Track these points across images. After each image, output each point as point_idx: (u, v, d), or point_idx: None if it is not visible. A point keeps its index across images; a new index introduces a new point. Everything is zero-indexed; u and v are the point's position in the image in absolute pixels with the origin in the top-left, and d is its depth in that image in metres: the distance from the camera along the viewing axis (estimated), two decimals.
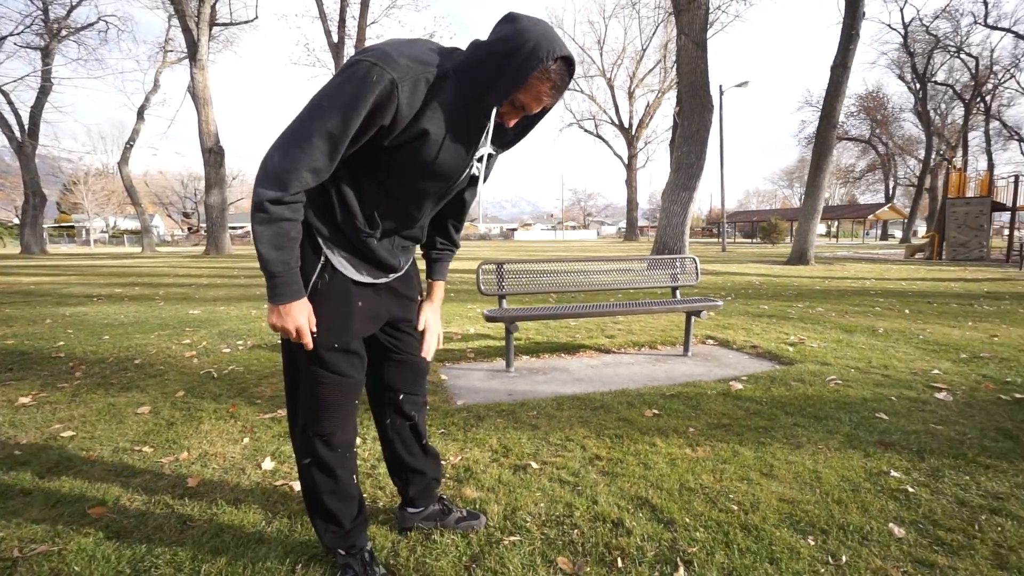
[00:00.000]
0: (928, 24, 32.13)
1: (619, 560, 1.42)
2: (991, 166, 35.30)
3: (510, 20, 1.08)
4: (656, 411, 2.54)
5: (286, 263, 1.08)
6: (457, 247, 1.55)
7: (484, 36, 1.14)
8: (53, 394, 2.89)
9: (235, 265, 13.47)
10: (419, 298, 1.51)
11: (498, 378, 3.24)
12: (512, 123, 1.18)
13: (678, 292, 3.93)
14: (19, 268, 13.23)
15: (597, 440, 2.22)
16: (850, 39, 12.44)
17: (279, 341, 1.31)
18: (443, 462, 2.05)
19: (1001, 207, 16.31)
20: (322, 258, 1.21)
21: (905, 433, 2.25)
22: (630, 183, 39.86)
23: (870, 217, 40.76)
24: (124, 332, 4.60)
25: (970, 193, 16.59)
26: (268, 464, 2.02)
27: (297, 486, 1.79)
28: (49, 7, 20.29)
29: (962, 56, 32.73)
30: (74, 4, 20.37)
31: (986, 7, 32.40)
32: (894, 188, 45.72)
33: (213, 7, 19.26)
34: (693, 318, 3.77)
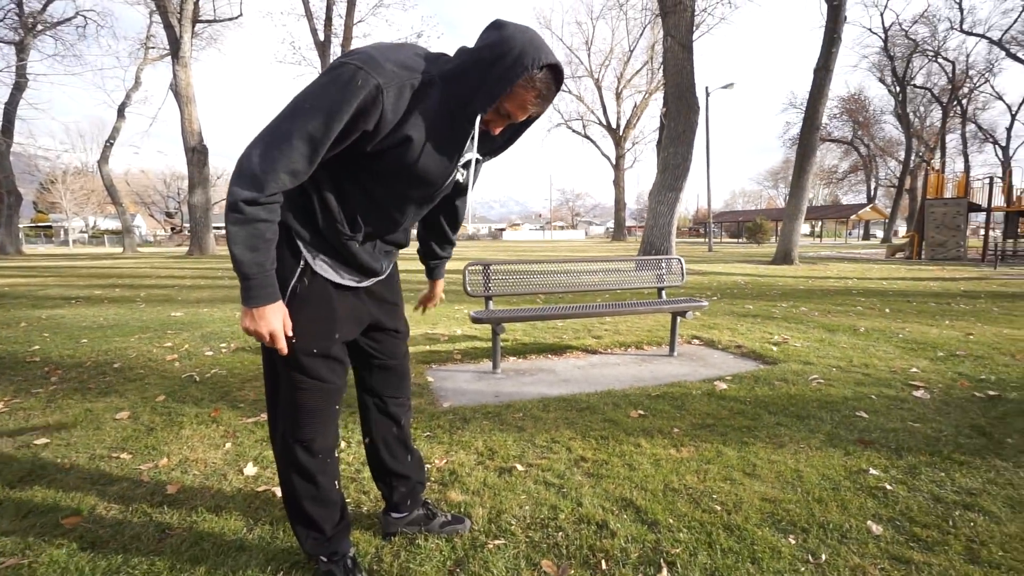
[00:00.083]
0: (907, 29, 32.87)
1: (603, 562, 1.43)
2: (967, 168, 36.21)
3: (497, 27, 1.08)
4: (641, 412, 2.56)
5: (261, 265, 1.05)
6: (453, 245, 1.60)
7: (471, 41, 1.13)
8: (27, 400, 2.82)
9: (219, 266, 13.26)
10: (401, 302, 1.50)
11: (484, 379, 3.24)
12: (498, 131, 1.18)
13: (664, 293, 3.96)
14: None
15: (583, 442, 2.22)
16: (832, 43, 12.66)
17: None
18: (428, 465, 2.04)
19: (977, 208, 16.73)
20: (302, 261, 1.19)
21: (884, 431, 2.29)
22: (618, 183, 40.09)
23: (852, 217, 41.55)
24: (103, 335, 4.50)
25: (948, 194, 16.98)
26: (250, 469, 1.99)
27: (279, 492, 1.77)
28: (23, 1, 19.79)
29: (939, 60, 33.54)
30: None
31: (961, 13, 33.26)
32: (876, 189, 46.64)
33: (196, 4, 18.94)
34: (679, 318, 3.80)
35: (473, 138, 1.14)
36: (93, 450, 2.15)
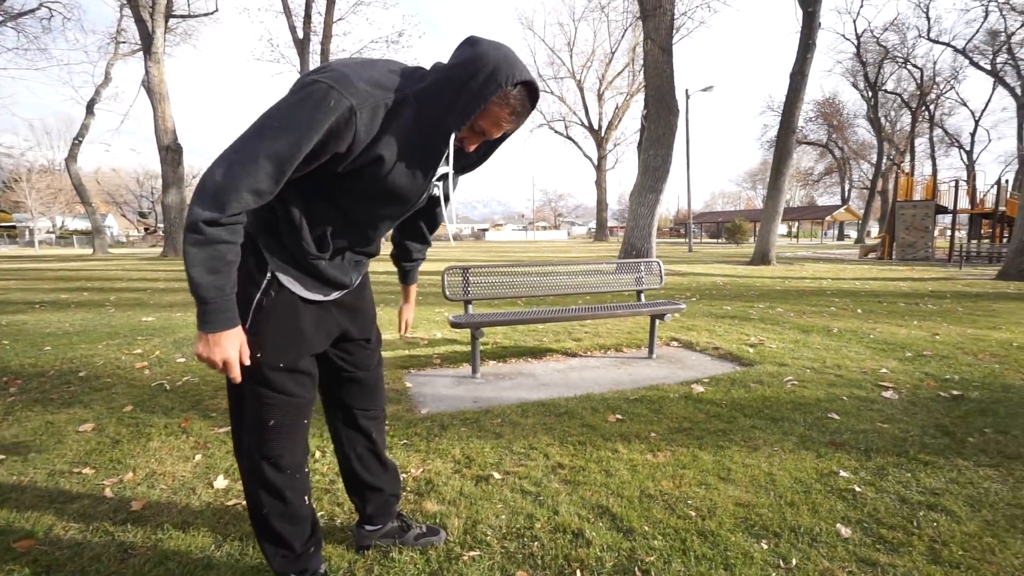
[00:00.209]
0: (878, 36, 33.89)
1: (578, 572, 1.42)
2: (935, 171, 37.43)
3: (470, 44, 1.06)
4: (619, 416, 2.57)
5: (220, 288, 1.00)
6: (428, 245, 1.58)
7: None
8: None
9: None
10: (373, 310, 1.47)
11: (464, 384, 3.21)
12: (472, 148, 1.17)
13: (643, 295, 3.99)
14: None
15: (560, 448, 2.22)
16: (807, 48, 12.95)
17: None
18: (404, 475, 2.01)
19: (944, 210, 17.31)
20: (268, 273, 1.16)
21: (854, 433, 2.34)
22: (600, 184, 40.39)
23: (828, 218, 42.62)
24: (68, 342, 4.34)
25: (917, 196, 17.53)
26: (220, 482, 1.94)
27: None
28: None
29: (909, 67, 34.68)
30: None
31: (928, 22, 34.51)
32: (849, 191, 47.92)
33: None
34: (657, 321, 3.83)
35: (446, 157, 1.12)
36: (53, 465, 2.07)
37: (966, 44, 31.29)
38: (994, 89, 34.44)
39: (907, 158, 37.64)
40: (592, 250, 24.56)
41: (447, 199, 1.31)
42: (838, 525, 1.62)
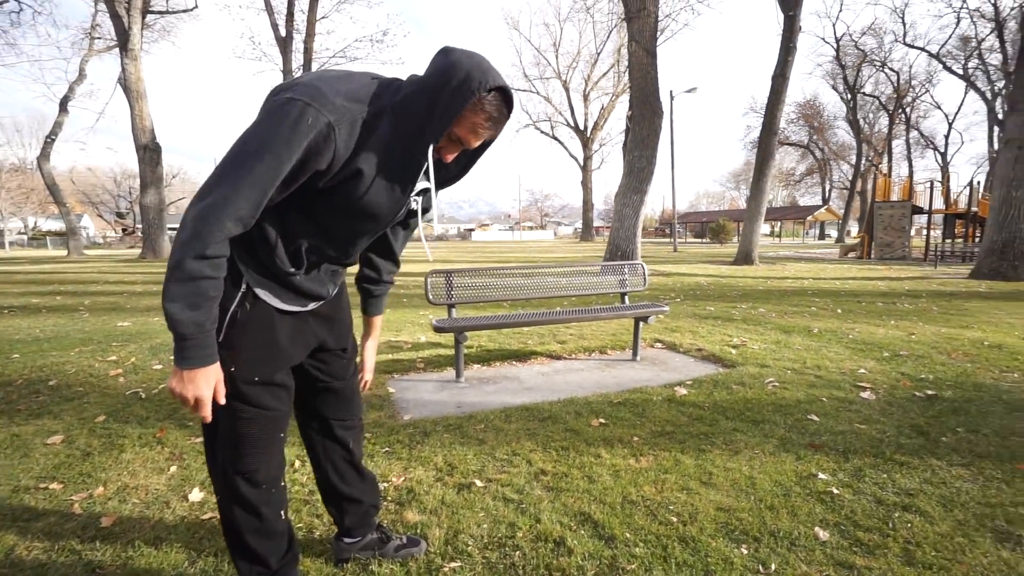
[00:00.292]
0: (857, 40, 34.63)
1: None
2: (911, 172, 38.41)
3: (444, 54, 1.06)
4: (603, 420, 2.57)
5: (200, 325, 0.98)
6: (398, 267, 1.50)
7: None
8: None
9: None
10: (349, 319, 1.44)
11: (447, 389, 3.19)
12: (451, 158, 1.15)
13: (627, 298, 4.00)
14: None
15: (543, 453, 2.21)
16: (788, 51, 13.17)
17: None
18: (385, 484, 1.99)
19: (920, 210, 17.75)
20: (243, 287, 1.14)
21: (833, 434, 2.38)
22: (586, 184, 40.57)
23: (809, 218, 43.43)
24: (38, 349, 4.21)
25: (894, 197, 17.95)
26: (196, 495, 1.89)
27: None
28: None
29: (886, 70, 35.52)
30: None
31: (904, 27, 35.47)
32: (830, 191, 48.91)
33: None
34: (641, 323, 3.85)
35: (425, 169, 1.11)
36: (18, 481, 2.00)
37: (940, 49, 32.15)
38: (966, 93, 35.49)
39: (885, 159, 38.53)
40: (578, 250, 24.66)
41: (426, 212, 1.29)
42: (816, 528, 1.64)
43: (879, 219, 17.13)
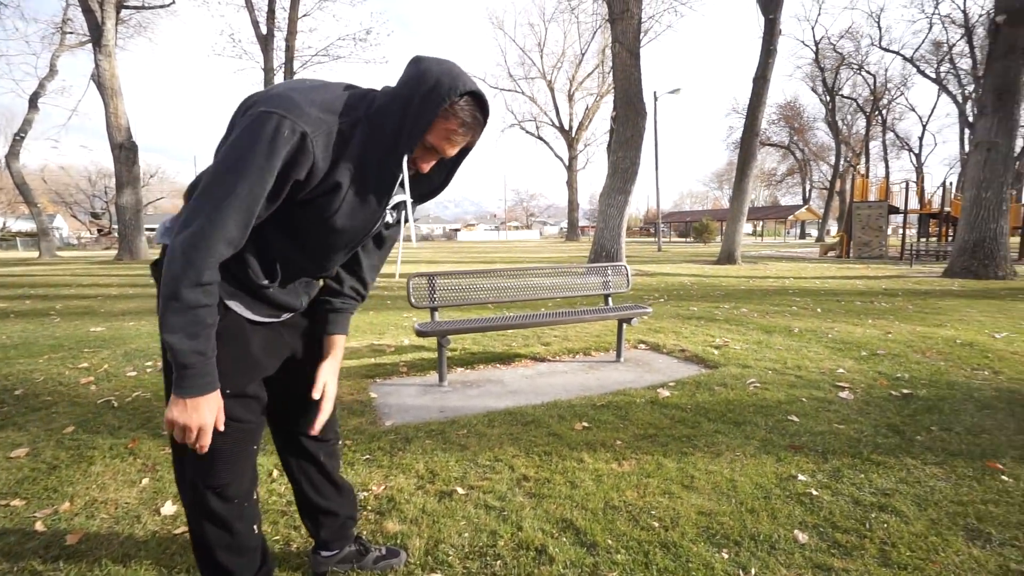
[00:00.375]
0: (835, 43, 35.43)
1: None
2: (887, 173, 39.39)
3: (414, 63, 1.05)
4: (586, 424, 2.57)
5: (201, 353, 0.97)
6: (365, 296, 1.39)
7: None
8: None
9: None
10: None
11: (430, 393, 3.16)
12: (427, 168, 1.12)
13: (610, 299, 4.01)
14: None
15: (526, 459, 2.20)
16: (769, 53, 13.36)
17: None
18: (365, 493, 1.95)
19: (896, 210, 18.18)
20: None
21: (812, 435, 2.40)
22: (571, 184, 40.73)
23: (790, 218, 44.22)
24: (4, 357, 4.06)
25: (871, 197, 18.35)
26: (168, 508, 1.84)
27: None
28: None
29: (863, 73, 36.40)
30: None
31: (880, 31, 36.47)
32: (810, 191, 49.87)
33: None
34: (624, 324, 3.86)
35: (401, 181, 1.08)
36: None
37: (913, 53, 33.03)
38: (939, 96, 36.54)
39: (863, 160, 39.43)
40: (564, 250, 24.73)
41: (403, 225, 1.27)
42: (796, 531, 1.65)
43: (857, 219, 17.50)
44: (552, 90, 40.44)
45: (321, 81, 1.07)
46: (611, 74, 11.63)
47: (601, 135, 41.50)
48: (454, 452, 2.28)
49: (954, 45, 31.02)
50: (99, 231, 42.23)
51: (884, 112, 38.15)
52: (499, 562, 1.53)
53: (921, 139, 40.07)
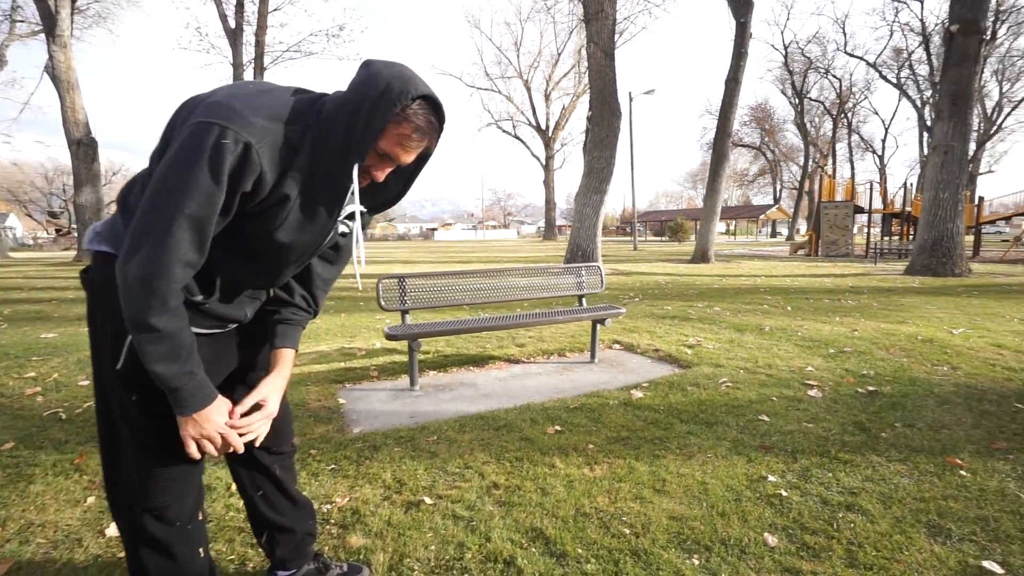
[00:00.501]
0: (803, 47, 36.47)
1: None
2: (853, 174, 40.74)
3: (364, 66, 0.99)
4: (558, 427, 2.53)
5: (191, 373, 0.96)
6: (318, 309, 1.29)
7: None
8: None
9: None
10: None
11: (401, 398, 3.08)
12: (383, 176, 1.06)
13: (584, 300, 4.00)
14: None
15: (497, 465, 2.15)
16: (740, 56, 13.63)
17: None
18: (329, 505, 1.87)
19: (861, 210, 18.81)
20: None
21: (782, 434, 2.42)
22: (548, 184, 40.86)
23: (762, 217, 45.38)
24: None
25: (838, 197, 18.94)
26: (114, 530, 1.72)
27: None
28: None
29: (829, 77, 37.59)
30: None
31: (845, 37, 37.87)
32: (780, 191, 51.27)
33: None
34: (598, 325, 3.85)
35: (352, 191, 1.02)
36: None
37: (876, 59, 34.34)
38: (899, 101, 38.00)
39: (830, 161, 40.74)
40: (541, 249, 24.77)
41: (358, 237, 1.20)
42: (765, 534, 1.65)
43: (825, 218, 18.03)
44: (529, 89, 40.50)
45: (267, 85, 1.01)
46: (587, 74, 11.69)
47: (578, 135, 41.76)
48: (423, 460, 2.21)
49: (913, 52, 32.37)
50: (57, 231, 40.38)
51: (849, 115, 39.52)
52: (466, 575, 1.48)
53: (884, 141, 41.64)
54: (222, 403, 1.03)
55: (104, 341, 1.07)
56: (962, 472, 2.05)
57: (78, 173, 16.12)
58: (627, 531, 1.67)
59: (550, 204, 41.24)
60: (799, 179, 42.86)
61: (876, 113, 41.94)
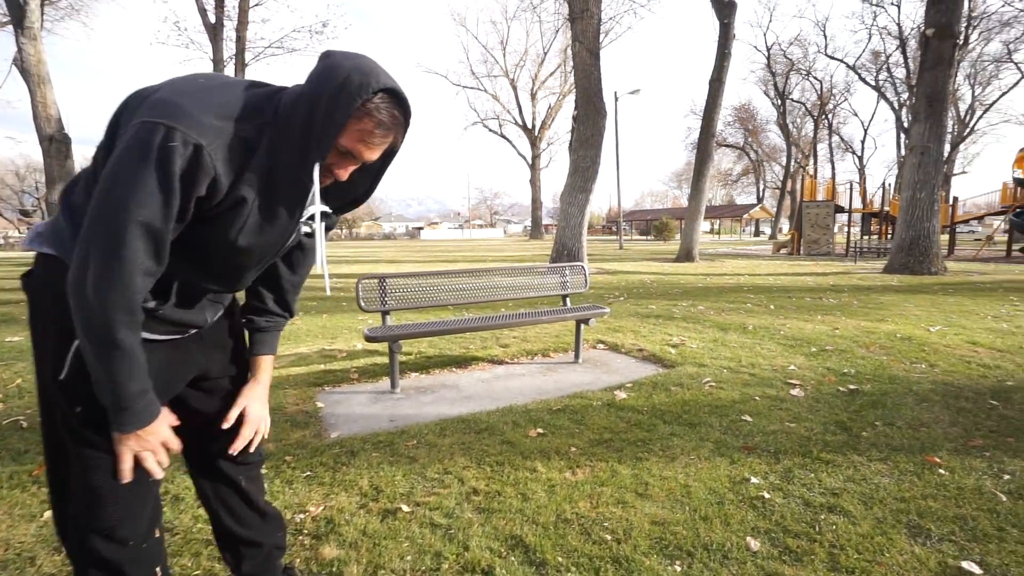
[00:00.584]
0: (785, 49, 37.04)
1: None
2: (833, 174, 41.55)
3: (323, 57, 0.93)
4: (541, 430, 2.49)
5: (144, 391, 0.92)
6: (292, 315, 1.28)
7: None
8: None
9: None
10: (242, 341, 1.26)
11: (381, 401, 3.01)
12: (346, 175, 0.99)
13: (568, 300, 3.97)
14: None
15: (477, 470, 2.10)
16: (724, 57, 13.75)
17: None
18: (303, 514, 1.81)
19: (841, 209, 19.15)
20: None
21: (765, 435, 2.41)
22: (534, 183, 40.88)
23: (745, 216, 46.00)
24: None
25: (820, 197, 19.25)
26: None
27: None
28: None
29: (810, 79, 38.25)
30: None
31: (825, 39, 38.53)
32: (763, 190, 52.04)
33: None
34: (582, 325, 3.82)
35: (314, 192, 0.96)
36: None
37: (855, 61, 35.05)
38: (878, 103, 38.90)
39: (811, 161, 41.46)
40: (527, 248, 24.75)
41: (323, 236, 1.14)
42: (748, 538, 1.62)
43: (807, 217, 18.31)
44: (515, 88, 40.44)
45: (219, 79, 0.94)
46: (573, 73, 11.69)
47: (564, 134, 41.82)
48: (402, 465, 2.15)
49: (890, 55, 33.07)
50: (30, 229, 39.10)
51: (830, 116, 40.26)
52: None
53: (863, 142, 42.53)
54: (166, 416, 0.98)
55: (46, 349, 1.00)
56: (941, 471, 2.06)
57: (50, 170, 15.61)
58: (608, 537, 1.64)
59: (536, 203, 41.26)
60: (782, 179, 43.54)
61: (856, 114, 42.91)
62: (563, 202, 10.59)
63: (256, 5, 20.51)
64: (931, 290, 7.73)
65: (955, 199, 17.22)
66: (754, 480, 1.99)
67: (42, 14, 15.18)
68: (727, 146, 46.97)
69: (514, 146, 42.44)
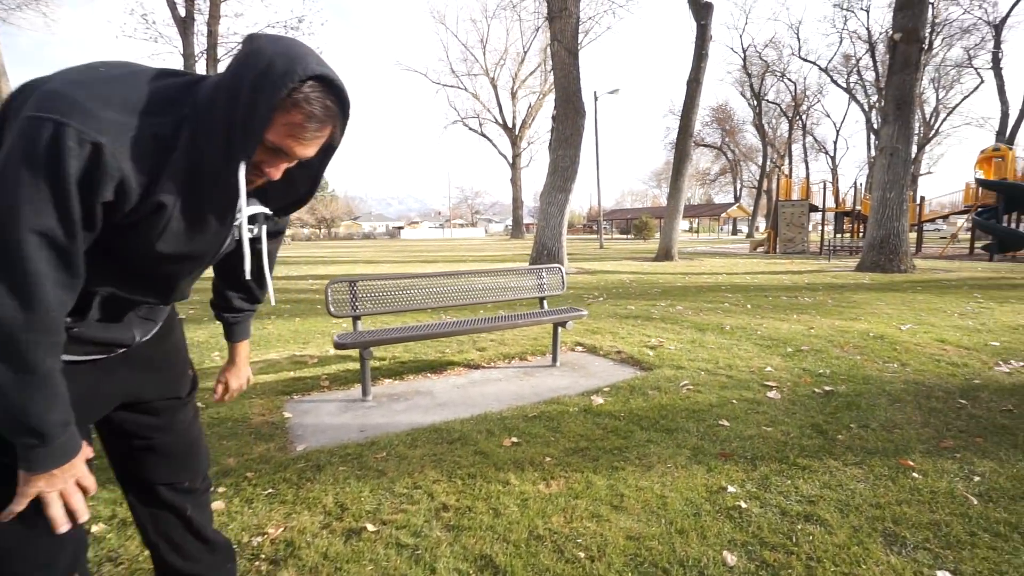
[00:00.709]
0: (760, 51, 37.76)
1: None
2: (808, 174, 42.52)
3: (246, 41, 0.81)
4: (515, 439, 2.42)
5: (66, 423, 0.81)
6: (260, 302, 1.27)
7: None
8: None
9: None
10: (179, 359, 1.16)
11: (352, 410, 2.91)
12: (279, 174, 0.88)
13: (545, 302, 3.91)
14: None
15: (448, 484, 2.02)
16: (701, 58, 13.88)
17: None
18: (260, 537, 1.70)
19: (815, 208, 19.58)
20: None
21: (742, 440, 2.39)
22: (515, 182, 40.85)
23: (723, 215, 46.80)
24: None
25: (795, 196, 19.65)
26: None
27: None
28: None
29: (785, 80, 39.09)
30: None
31: (799, 42, 39.47)
32: (741, 190, 52.97)
33: None
34: (560, 328, 3.76)
35: (241, 195, 0.84)
36: None
37: (828, 64, 35.95)
38: (849, 104, 39.96)
39: (786, 161, 42.37)
40: (508, 248, 24.68)
41: (273, 236, 1.05)
42: (724, 552, 1.58)
43: (782, 216, 18.67)
44: (495, 87, 40.35)
45: (124, 66, 0.82)
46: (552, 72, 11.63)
47: (544, 133, 41.95)
48: (369, 480, 2.06)
49: (860, 59, 33.98)
50: None
51: (804, 117, 41.22)
52: None
53: (835, 143, 43.67)
54: (85, 451, 0.87)
55: None
56: (914, 474, 2.06)
57: None
58: (582, 555, 1.57)
59: (517, 202, 41.25)
60: (758, 178, 44.40)
61: (828, 116, 44.24)
62: (543, 202, 10.55)
63: None
64: (901, 288, 7.92)
65: (922, 198, 17.74)
66: (731, 489, 1.95)
67: None
68: (705, 146, 47.67)
69: (495, 145, 42.39)
